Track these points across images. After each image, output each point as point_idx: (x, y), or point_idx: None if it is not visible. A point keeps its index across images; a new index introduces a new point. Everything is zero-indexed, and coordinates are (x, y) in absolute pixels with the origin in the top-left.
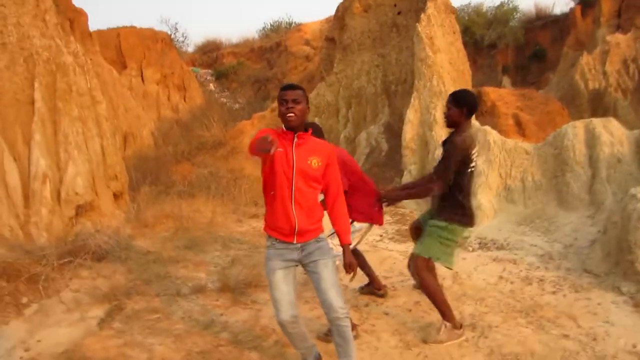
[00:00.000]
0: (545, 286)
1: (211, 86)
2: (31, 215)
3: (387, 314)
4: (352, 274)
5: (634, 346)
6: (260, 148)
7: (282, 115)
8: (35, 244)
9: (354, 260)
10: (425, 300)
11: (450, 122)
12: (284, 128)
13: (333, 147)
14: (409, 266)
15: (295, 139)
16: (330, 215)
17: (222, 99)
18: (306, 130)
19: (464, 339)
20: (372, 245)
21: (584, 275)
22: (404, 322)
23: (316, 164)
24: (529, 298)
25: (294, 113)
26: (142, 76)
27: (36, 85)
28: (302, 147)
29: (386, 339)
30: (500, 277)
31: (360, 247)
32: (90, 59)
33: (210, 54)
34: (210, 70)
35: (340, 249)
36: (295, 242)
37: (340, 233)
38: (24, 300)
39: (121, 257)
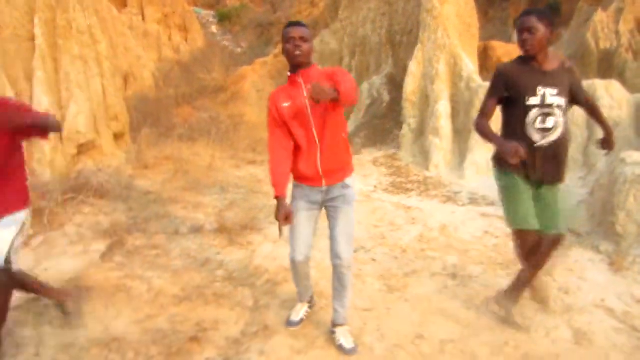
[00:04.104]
0: None
1: (213, 28)
2: (34, 151)
3: (374, 260)
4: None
5: (602, 300)
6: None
7: (289, 53)
8: (39, 180)
9: (321, 87)
10: (412, 249)
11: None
12: (289, 73)
13: (338, 68)
14: None
15: (301, 79)
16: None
17: (224, 42)
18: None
19: None
20: (366, 195)
21: (567, 234)
22: (389, 269)
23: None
24: (510, 252)
25: (301, 51)
26: (142, 15)
27: (36, 21)
28: (310, 83)
29: (371, 282)
30: (486, 232)
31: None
32: None
33: None
34: (212, 12)
35: None
36: (323, 185)
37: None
38: (30, 231)
39: (122, 196)
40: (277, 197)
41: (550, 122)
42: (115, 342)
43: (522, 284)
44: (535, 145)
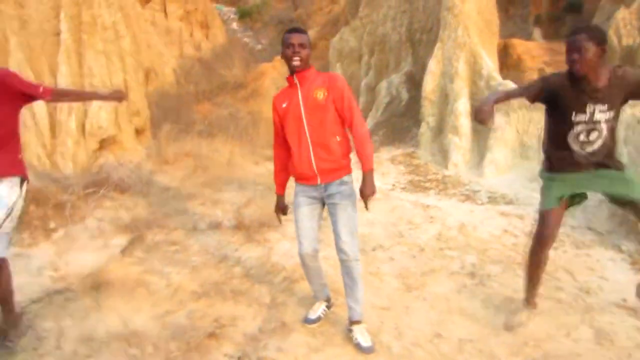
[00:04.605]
0: None
1: (234, 25)
2: (57, 145)
3: (392, 259)
4: (365, 202)
5: (624, 300)
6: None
7: (288, 59)
8: (61, 173)
9: (371, 190)
10: (430, 248)
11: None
12: (287, 75)
13: (335, 74)
14: None
15: (297, 80)
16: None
17: (244, 38)
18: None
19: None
20: (384, 193)
21: (587, 233)
22: (407, 267)
23: (322, 95)
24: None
25: (300, 57)
26: (165, 11)
27: (62, 16)
28: (306, 85)
29: (389, 281)
30: (505, 231)
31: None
32: None
33: None
34: (233, 9)
35: None
36: (319, 182)
37: (360, 158)
38: (52, 225)
39: (142, 191)
40: (277, 194)
41: (593, 136)
42: (134, 337)
43: None
44: (576, 154)
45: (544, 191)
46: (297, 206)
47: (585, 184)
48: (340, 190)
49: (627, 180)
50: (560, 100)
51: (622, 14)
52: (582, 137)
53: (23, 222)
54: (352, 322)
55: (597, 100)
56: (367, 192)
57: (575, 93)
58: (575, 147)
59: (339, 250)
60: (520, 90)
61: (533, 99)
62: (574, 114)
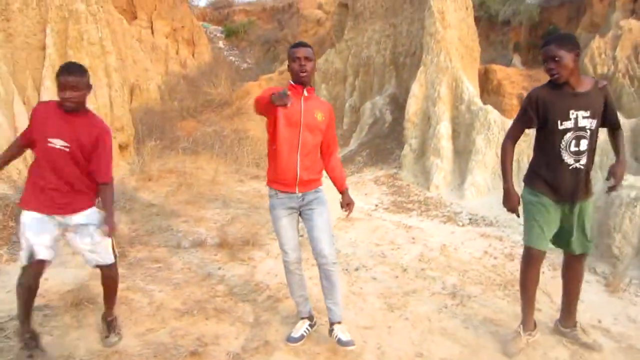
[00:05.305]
0: None
1: (220, 44)
2: None
3: (375, 278)
4: (348, 212)
5: (599, 321)
6: (277, 101)
7: (295, 72)
8: None
9: (352, 200)
10: (412, 268)
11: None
12: (291, 82)
13: (328, 105)
14: None
15: (305, 93)
16: (326, 165)
17: (230, 57)
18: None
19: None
20: (367, 214)
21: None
22: (389, 287)
23: (321, 118)
24: (509, 273)
25: (306, 71)
26: (152, 28)
27: (48, 30)
28: (309, 102)
29: (372, 301)
30: (485, 252)
31: (353, 215)
32: (102, 7)
33: (221, 10)
34: (220, 27)
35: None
36: (297, 192)
37: (339, 180)
38: None
39: (125, 208)
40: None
41: (583, 145)
42: (115, 355)
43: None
44: (570, 167)
45: (528, 220)
46: (276, 218)
47: (560, 220)
48: (317, 196)
49: (583, 230)
50: (546, 111)
51: (597, 43)
52: (572, 147)
53: (2, 238)
54: (333, 323)
55: (579, 106)
56: (351, 202)
57: (559, 99)
58: (569, 159)
59: (318, 254)
60: (518, 125)
61: (529, 125)
62: (559, 122)
